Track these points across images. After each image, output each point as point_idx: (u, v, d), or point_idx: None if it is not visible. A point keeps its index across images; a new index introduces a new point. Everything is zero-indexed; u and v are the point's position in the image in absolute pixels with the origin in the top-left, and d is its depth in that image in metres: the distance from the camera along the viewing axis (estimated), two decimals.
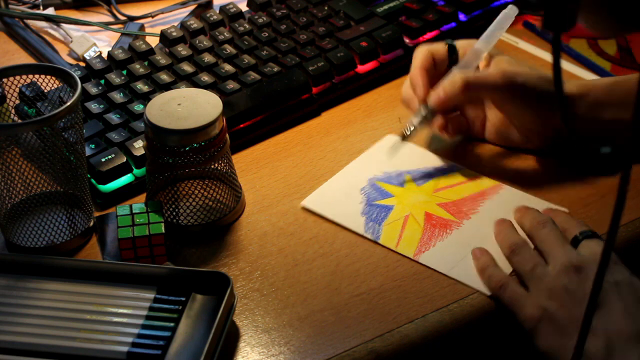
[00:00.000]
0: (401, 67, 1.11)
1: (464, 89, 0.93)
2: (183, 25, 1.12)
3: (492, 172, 0.96)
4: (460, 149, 1.00)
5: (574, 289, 0.79)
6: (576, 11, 0.65)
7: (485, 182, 0.95)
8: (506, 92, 0.94)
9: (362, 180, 0.95)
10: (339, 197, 0.94)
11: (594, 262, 0.79)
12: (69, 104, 0.83)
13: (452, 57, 0.98)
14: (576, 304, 0.78)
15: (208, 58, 1.07)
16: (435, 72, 0.97)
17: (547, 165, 0.97)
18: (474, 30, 1.16)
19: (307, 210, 0.92)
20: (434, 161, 0.98)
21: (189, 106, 0.88)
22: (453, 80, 0.93)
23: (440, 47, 0.98)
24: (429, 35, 1.13)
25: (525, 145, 0.97)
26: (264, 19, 1.13)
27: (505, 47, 1.15)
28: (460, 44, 0.98)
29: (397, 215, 0.91)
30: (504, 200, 0.93)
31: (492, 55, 0.97)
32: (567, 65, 1.12)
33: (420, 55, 0.97)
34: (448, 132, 0.96)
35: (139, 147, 0.95)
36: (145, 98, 1.02)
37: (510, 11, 0.98)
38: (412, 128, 0.95)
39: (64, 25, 1.19)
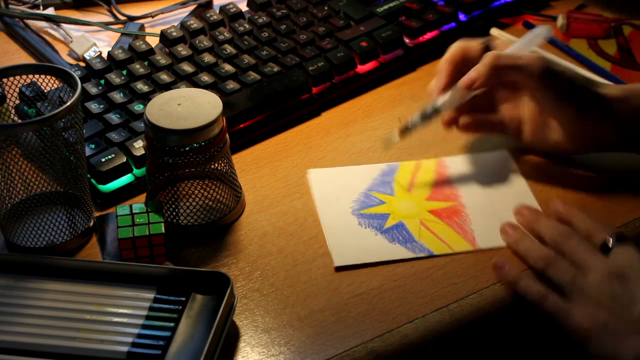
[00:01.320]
0: (401, 67, 1.11)
1: (495, 66, 0.90)
2: (183, 25, 1.12)
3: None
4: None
5: (620, 295, 0.80)
6: None
7: (428, 164, 0.97)
8: (541, 77, 0.90)
9: (349, 218, 0.92)
10: (356, 241, 0.89)
11: (631, 267, 0.81)
12: (69, 104, 0.83)
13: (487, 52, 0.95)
14: (625, 309, 0.79)
15: (208, 58, 1.07)
16: (465, 69, 0.94)
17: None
18: (474, 30, 1.16)
19: (345, 268, 0.87)
20: (371, 170, 0.97)
21: (189, 106, 0.88)
22: (484, 58, 0.91)
23: (475, 45, 0.96)
24: (429, 35, 1.13)
25: (564, 149, 0.94)
26: (264, 19, 1.13)
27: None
28: (496, 44, 0.97)
29: (414, 226, 0.91)
30: (458, 167, 0.96)
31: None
32: (567, 65, 1.11)
33: (453, 48, 0.95)
34: (459, 127, 0.95)
35: (139, 147, 0.95)
36: (145, 98, 1.02)
37: (545, 32, 0.97)
38: (413, 123, 0.94)
39: (64, 25, 1.19)
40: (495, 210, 0.92)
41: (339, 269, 0.86)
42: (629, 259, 0.82)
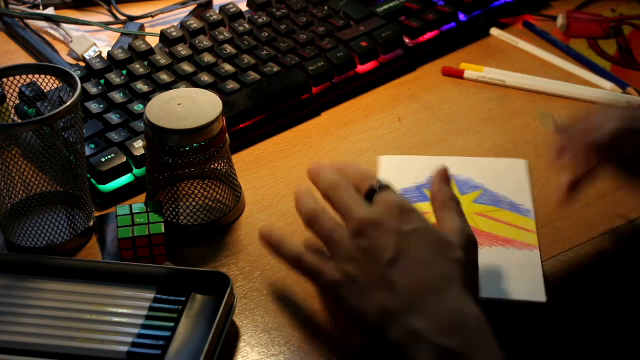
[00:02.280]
0: (401, 67, 1.11)
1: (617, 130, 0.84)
2: (183, 25, 1.12)
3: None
4: None
5: (369, 247, 0.77)
6: None
7: (526, 236, 0.89)
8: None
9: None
10: (407, 170, 0.94)
11: (387, 214, 0.78)
12: (69, 104, 0.83)
13: None
14: (374, 261, 0.76)
15: (208, 58, 1.07)
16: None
17: None
18: (474, 30, 1.17)
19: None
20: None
21: (189, 106, 0.88)
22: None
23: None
24: (429, 35, 1.13)
25: None
26: (264, 19, 1.13)
27: (505, 47, 1.15)
28: None
29: (422, 208, 0.91)
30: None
31: None
32: (567, 65, 1.12)
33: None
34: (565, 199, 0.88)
35: (139, 147, 0.95)
36: (145, 98, 1.02)
37: None
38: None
39: (64, 25, 1.19)
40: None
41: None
42: (388, 203, 0.79)
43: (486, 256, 0.87)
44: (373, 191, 0.81)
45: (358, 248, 0.77)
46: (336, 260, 0.78)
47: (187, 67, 1.06)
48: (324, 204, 0.82)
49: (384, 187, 0.81)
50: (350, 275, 0.77)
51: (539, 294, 0.83)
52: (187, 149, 0.87)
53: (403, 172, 0.96)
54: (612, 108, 0.89)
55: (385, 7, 1.15)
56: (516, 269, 0.86)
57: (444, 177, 0.84)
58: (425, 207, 0.91)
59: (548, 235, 0.89)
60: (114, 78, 1.04)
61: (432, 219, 0.91)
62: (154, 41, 1.12)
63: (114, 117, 0.99)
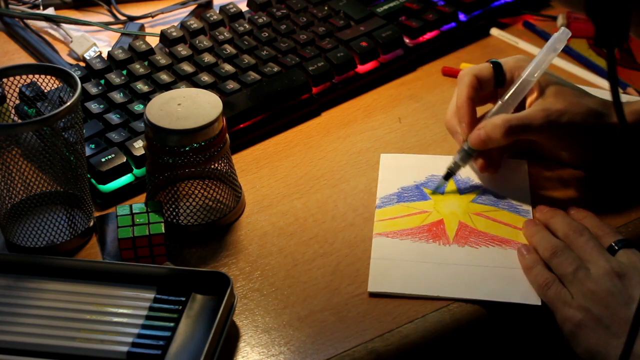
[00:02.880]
0: (401, 67, 1.11)
1: (506, 134, 0.90)
2: (183, 25, 1.12)
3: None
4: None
5: (618, 293, 0.80)
6: (628, 26, 0.64)
7: (519, 236, 0.89)
8: (551, 133, 0.92)
9: (442, 170, 0.94)
10: (408, 168, 0.96)
11: (634, 269, 0.82)
12: (69, 104, 0.83)
13: (499, 77, 0.95)
14: (621, 306, 0.80)
15: (208, 58, 1.07)
16: (482, 93, 0.95)
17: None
18: (474, 30, 1.16)
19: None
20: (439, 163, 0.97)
21: (189, 106, 0.88)
22: (494, 123, 0.91)
23: (486, 68, 0.95)
24: (429, 35, 1.13)
25: (574, 165, 0.96)
26: (264, 19, 1.13)
27: (505, 47, 1.15)
28: (507, 64, 0.95)
29: (420, 206, 0.92)
30: (507, 256, 0.88)
31: (541, 83, 0.93)
32: (567, 65, 1.12)
33: (466, 80, 0.94)
34: (489, 170, 0.94)
35: (139, 147, 0.95)
36: (145, 98, 1.02)
37: (562, 35, 0.94)
38: (454, 166, 0.93)
39: (64, 25, 1.19)
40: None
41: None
42: (633, 260, 0.83)
43: (482, 256, 0.87)
44: (614, 247, 0.85)
45: (606, 291, 0.81)
46: (580, 297, 0.81)
47: (187, 67, 1.06)
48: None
49: (627, 245, 0.85)
50: (594, 315, 0.80)
51: (533, 297, 0.83)
52: (187, 149, 0.87)
53: (402, 171, 0.96)
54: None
55: (385, 7, 1.15)
56: (512, 270, 0.86)
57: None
58: (422, 206, 0.92)
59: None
60: (114, 78, 1.04)
61: (431, 217, 0.92)
62: (154, 41, 1.12)
63: (114, 117, 0.99)
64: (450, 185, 0.94)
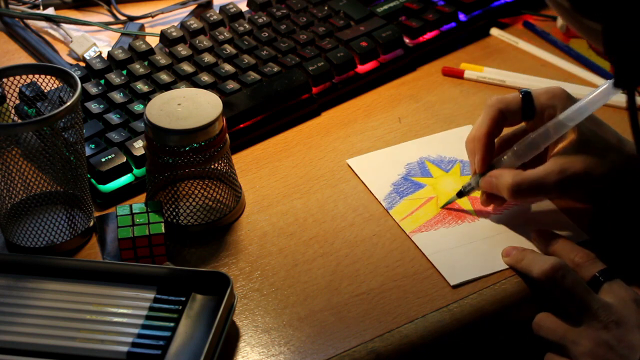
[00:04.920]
0: (401, 67, 1.11)
1: (513, 196, 0.87)
2: (183, 25, 1.12)
3: None
4: None
5: (617, 343, 0.78)
6: None
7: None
8: (564, 194, 0.89)
9: (413, 156, 0.97)
10: (382, 165, 0.97)
11: (625, 309, 0.79)
12: (69, 104, 0.83)
13: (528, 110, 0.89)
14: (624, 358, 0.78)
15: (208, 58, 1.07)
16: (507, 123, 0.90)
17: None
18: (474, 30, 1.16)
19: (349, 167, 0.96)
20: (405, 151, 0.99)
21: (189, 106, 0.88)
22: (505, 182, 0.87)
23: (514, 100, 0.89)
24: (429, 35, 1.13)
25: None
26: (264, 19, 1.13)
27: (505, 47, 1.15)
28: (539, 98, 0.89)
29: (423, 194, 0.93)
30: (528, 212, 0.92)
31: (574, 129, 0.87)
32: (567, 65, 1.12)
33: (490, 113, 0.89)
34: (493, 209, 0.92)
35: (139, 147, 0.95)
36: (145, 98, 1.02)
37: (613, 89, 0.90)
38: (469, 188, 0.91)
39: (64, 25, 1.19)
40: (464, 245, 0.90)
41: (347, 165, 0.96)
42: (622, 299, 0.81)
43: (513, 217, 0.91)
44: (598, 279, 0.82)
45: (602, 344, 0.79)
46: (580, 357, 0.79)
47: (187, 67, 1.06)
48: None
49: (611, 277, 0.82)
50: None
51: (579, 234, 0.89)
52: (187, 149, 0.87)
53: (378, 170, 0.97)
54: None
55: (385, 7, 1.15)
56: (546, 214, 0.91)
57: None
58: (425, 194, 0.93)
59: None
60: (114, 78, 1.04)
61: (440, 201, 0.92)
62: (154, 41, 1.12)
63: (114, 117, 0.99)
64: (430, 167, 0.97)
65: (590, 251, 0.85)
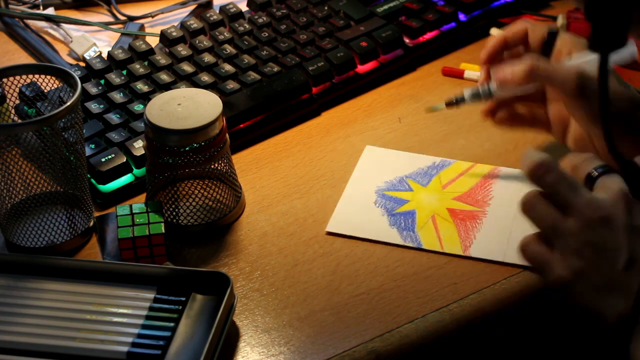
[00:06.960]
0: (401, 67, 1.11)
1: (529, 75, 0.86)
2: (183, 25, 1.12)
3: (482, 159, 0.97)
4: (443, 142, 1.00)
5: (603, 244, 0.75)
6: (627, 29, 0.62)
7: (481, 169, 0.96)
8: (575, 97, 0.85)
9: (370, 194, 0.94)
10: (360, 215, 0.92)
11: (614, 206, 0.75)
12: (69, 104, 0.83)
13: (548, 45, 0.91)
14: (608, 260, 0.75)
15: (208, 58, 1.07)
16: (521, 50, 0.92)
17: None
18: (474, 30, 1.16)
19: (334, 234, 0.90)
20: (424, 160, 0.98)
21: (189, 106, 0.88)
22: (522, 62, 0.87)
23: (541, 30, 0.91)
24: (429, 35, 1.13)
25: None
26: (264, 19, 1.13)
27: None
28: (564, 38, 0.90)
29: (423, 218, 0.91)
30: (508, 180, 0.94)
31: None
32: None
33: (516, 27, 0.92)
34: (494, 119, 0.93)
35: (139, 147, 0.95)
36: (145, 98, 1.02)
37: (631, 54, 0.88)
38: (461, 98, 0.91)
39: (64, 25, 1.19)
40: (512, 227, 0.89)
41: (330, 234, 0.90)
42: (615, 193, 0.76)
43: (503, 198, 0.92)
44: (592, 176, 0.78)
45: (588, 244, 0.75)
46: (563, 255, 0.76)
47: (187, 67, 1.06)
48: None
49: (607, 171, 0.78)
50: (582, 273, 0.75)
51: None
52: (187, 149, 0.87)
53: (384, 164, 0.97)
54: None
55: (385, 7, 1.15)
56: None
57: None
58: (409, 196, 0.94)
59: None
60: (114, 78, 1.04)
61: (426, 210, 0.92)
62: (154, 41, 1.12)
63: (114, 117, 0.99)
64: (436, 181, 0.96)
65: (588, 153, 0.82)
